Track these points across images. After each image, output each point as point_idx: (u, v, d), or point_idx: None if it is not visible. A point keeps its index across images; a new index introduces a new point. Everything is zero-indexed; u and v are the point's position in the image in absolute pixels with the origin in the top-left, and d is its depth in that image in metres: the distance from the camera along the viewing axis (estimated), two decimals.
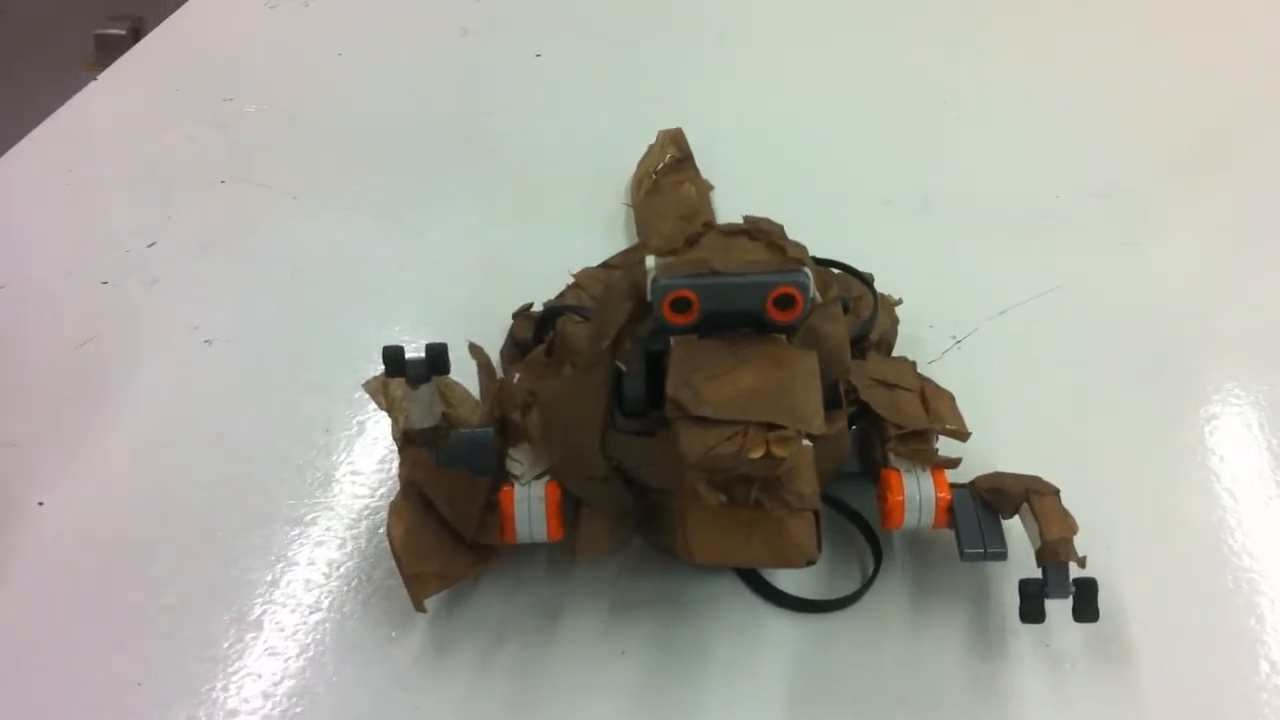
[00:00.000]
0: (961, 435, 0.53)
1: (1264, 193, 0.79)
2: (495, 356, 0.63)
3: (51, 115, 0.91)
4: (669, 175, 0.78)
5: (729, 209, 0.76)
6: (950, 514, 0.50)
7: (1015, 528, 0.50)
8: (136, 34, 2.04)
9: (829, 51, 0.98)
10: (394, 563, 0.49)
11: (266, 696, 0.49)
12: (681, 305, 0.45)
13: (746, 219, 0.47)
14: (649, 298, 0.45)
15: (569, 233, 0.76)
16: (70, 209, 0.80)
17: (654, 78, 0.95)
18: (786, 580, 0.53)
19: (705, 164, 0.80)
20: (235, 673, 0.50)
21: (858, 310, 0.60)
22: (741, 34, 1.01)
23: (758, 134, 0.87)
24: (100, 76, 0.97)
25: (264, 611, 0.52)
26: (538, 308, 0.64)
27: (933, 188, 0.80)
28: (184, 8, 1.07)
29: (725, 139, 0.84)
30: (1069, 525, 0.48)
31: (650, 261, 0.46)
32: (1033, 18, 1.03)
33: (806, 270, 0.45)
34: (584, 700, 0.49)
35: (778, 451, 0.42)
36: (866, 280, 0.62)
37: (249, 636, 0.51)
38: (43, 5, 2.32)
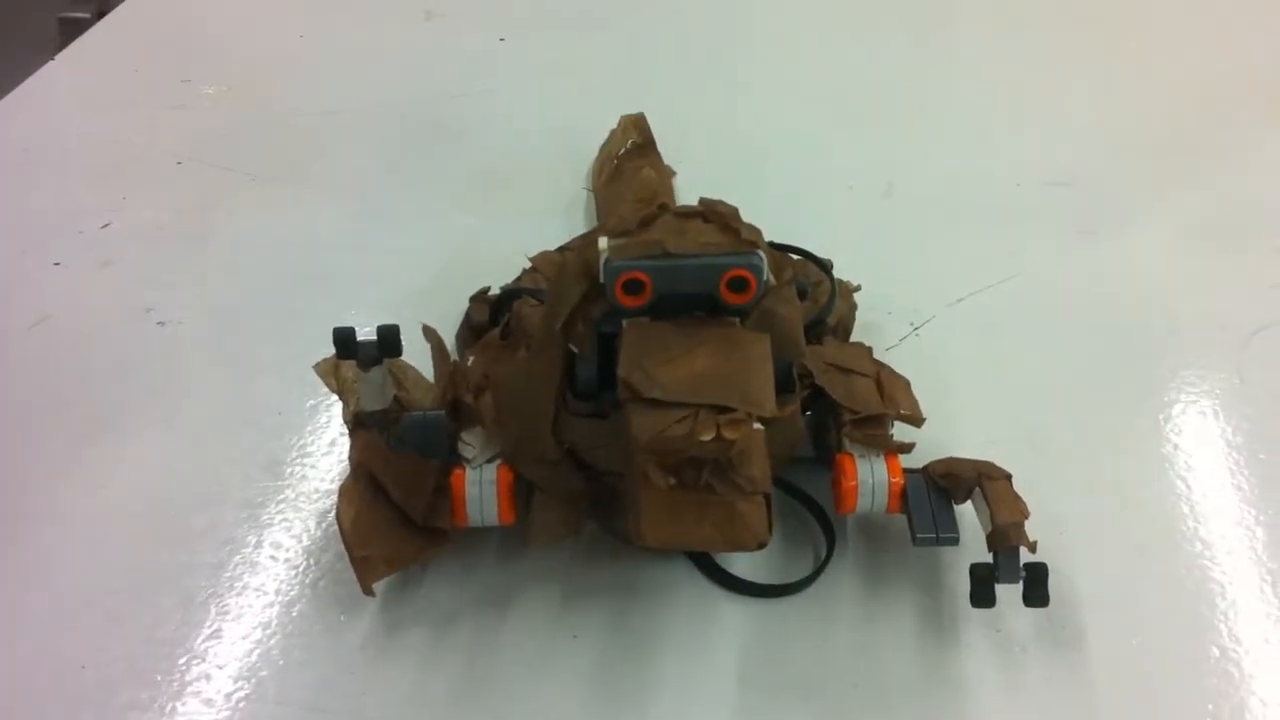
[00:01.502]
0: (916, 421, 0.53)
1: (1222, 184, 0.79)
2: (451, 340, 0.63)
3: (8, 95, 0.89)
4: (631, 160, 0.78)
5: (691, 195, 0.75)
6: (903, 499, 0.50)
7: (968, 513, 0.50)
8: (101, 17, 2.02)
9: (796, 39, 0.98)
10: (343, 546, 0.49)
11: (211, 679, 0.48)
12: (634, 287, 0.44)
13: (702, 201, 0.47)
14: (601, 279, 0.45)
15: (529, 217, 0.76)
16: (24, 189, 0.79)
17: (618, 63, 0.94)
18: (739, 565, 0.52)
19: (668, 150, 0.80)
20: (181, 656, 0.49)
21: (816, 296, 0.59)
22: (707, 21, 1.01)
23: (722, 120, 0.87)
24: (58, 57, 0.96)
25: (211, 594, 0.52)
26: (495, 291, 0.64)
27: (896, 175, 0.80)
28: None
29: (689, 125, 0.84)
30: (1020, 510, 0.48)
31: (603, 243, 0.45)
32: (998, 9, 1.03)
33: (760, 252, 0.45)
34: (536, 684, 0.48)
35: (728, 434, 0.42)
36: (825, 266, 0.62)
37: (195, 619, 0.50)
38: None
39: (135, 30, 1.00)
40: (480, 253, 0.71)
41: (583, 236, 0.65)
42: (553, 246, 0.67)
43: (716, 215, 0.46)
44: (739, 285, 0.45)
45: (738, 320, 0.46)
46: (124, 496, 0.56)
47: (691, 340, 0.44)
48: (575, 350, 0.48)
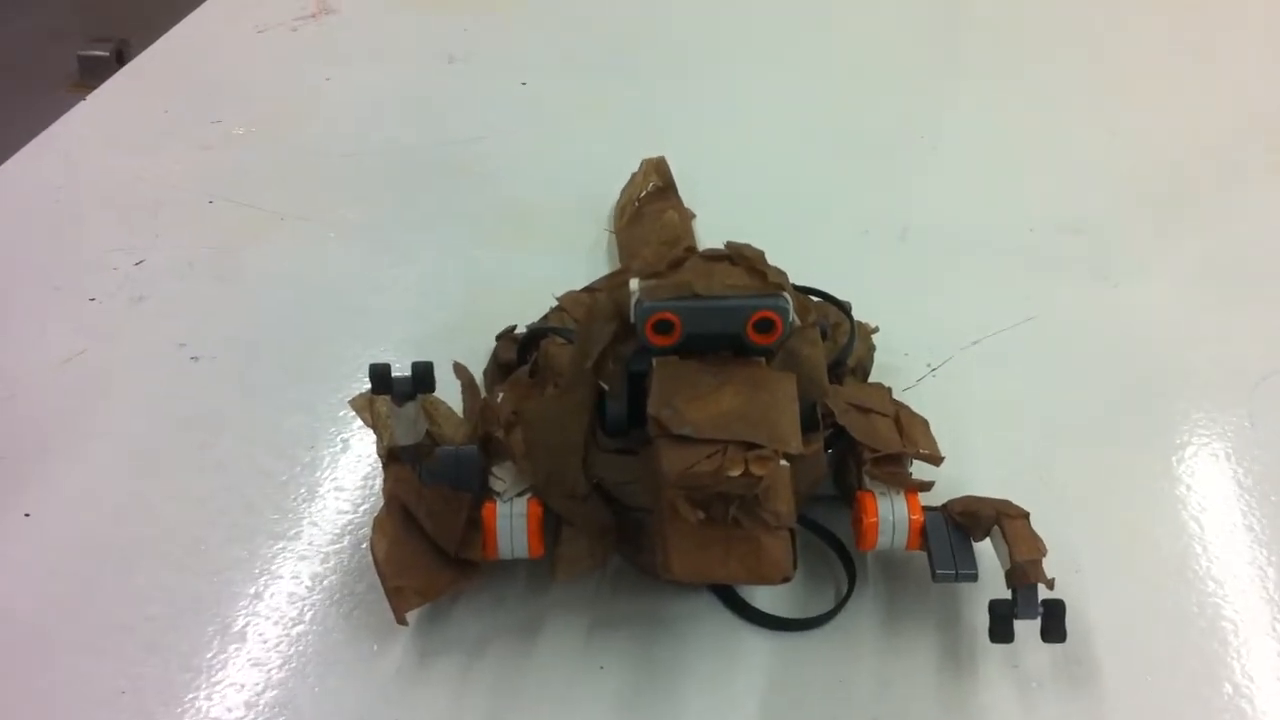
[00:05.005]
0: (935, 459, 0.54)
1: (1233, 229, 0.80)
2: (479, 377, 0.64)
3: (40, 135, 0.91)
4: (652, 203, 0.80)
5: (711, 237, 0.77)
6: (923, 536, 0.51)
7: (986, 550, 0.52)
8: (120, 55, 2.06)
9: (811, 84, 1.00)
10: (376, 577, 0.50)
11: (249, 707, 0.49)
12: (664, 327, 0.46)
13: (729, 244, 0.48)
14: (632, 319, 0.46)
15: (552, 258, 0.77)
16: (58, 227, 0.81)
17: (638, 107, 0.96)
18: (762, 598, 0.54)
19: (688, 192, 0.81)
20: (218, 683, 0.50)
21: (835, 337, 0.61)
22: (725, 65, 1.03)
23: (740, 163, 0.89)
24: (89, 97, 0.98)
25: (247, 623, 0.53)
26: (521, 330, 0.65)
27: (911, 219, 0.81)
28: (173, 31, 1.08)
29: (708, 168, 0.86)
30: (1038, 547, 0.50)
31: (634, 284, 0.47)
32: (1011, 55, 1.05)
33: (786, 295, 0.46)
34: (563, 714, 0.49)
35: (756, 470, 0.43)
36: (844, 308, 0.63)
37: (232, 648, 0.52)
38: (25, 27, 2.32)
39: (165, 72, 1.02)
40: (503, 291, 0.73)
41: (609, 277, 0.66)
42: (575, 286, 0.68)
43: (743, 258, 0.47)
44: (765, 326, 0.46)
45: (763, 360, 0.48)
46: (160, 528, 0.57)
47: (720, 379, 0.46)
48: (605, 388, 0.50)
